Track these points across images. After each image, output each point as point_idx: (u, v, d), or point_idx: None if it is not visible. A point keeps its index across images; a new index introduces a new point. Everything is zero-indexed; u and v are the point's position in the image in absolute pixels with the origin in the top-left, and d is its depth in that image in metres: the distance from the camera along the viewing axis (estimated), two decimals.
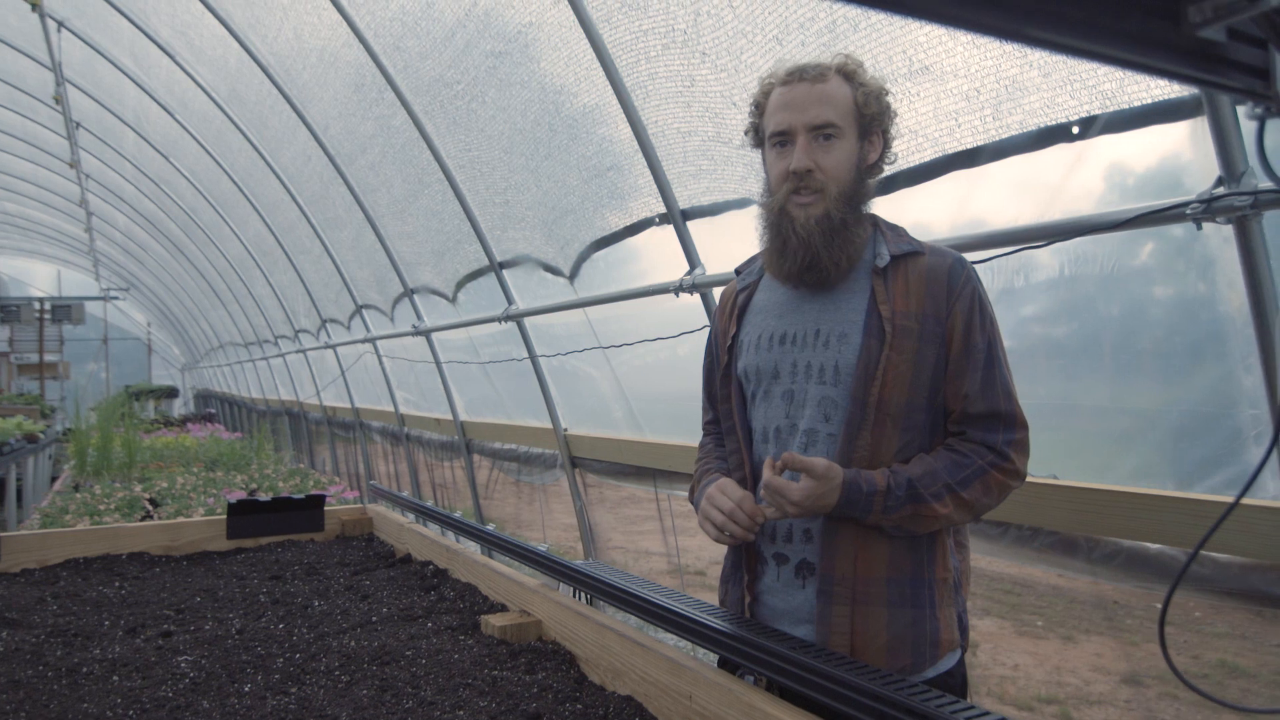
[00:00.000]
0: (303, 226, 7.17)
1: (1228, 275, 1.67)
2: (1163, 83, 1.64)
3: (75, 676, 1.61)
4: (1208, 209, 1.55)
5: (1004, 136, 1.95)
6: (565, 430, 4.30)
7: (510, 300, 4.43)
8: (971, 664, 1.58)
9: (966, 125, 2.00)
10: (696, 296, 3.01)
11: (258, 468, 5.01)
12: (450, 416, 5.69)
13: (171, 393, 18.89)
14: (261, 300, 10.21)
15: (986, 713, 1.08)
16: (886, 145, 1.56)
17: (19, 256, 21.17)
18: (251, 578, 2.39)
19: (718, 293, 2.91)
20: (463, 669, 1.61)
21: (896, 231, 1.56)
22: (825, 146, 1.49)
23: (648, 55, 2.83)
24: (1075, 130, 1.79)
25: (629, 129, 3.01)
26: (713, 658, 1.51)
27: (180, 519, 3.00)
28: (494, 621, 1.82)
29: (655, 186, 3.02)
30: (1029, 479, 1.61)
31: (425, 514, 2.86)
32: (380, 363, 6.98)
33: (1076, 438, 2.16)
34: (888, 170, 1.61)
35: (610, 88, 3.01)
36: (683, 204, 2.99)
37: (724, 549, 1.66)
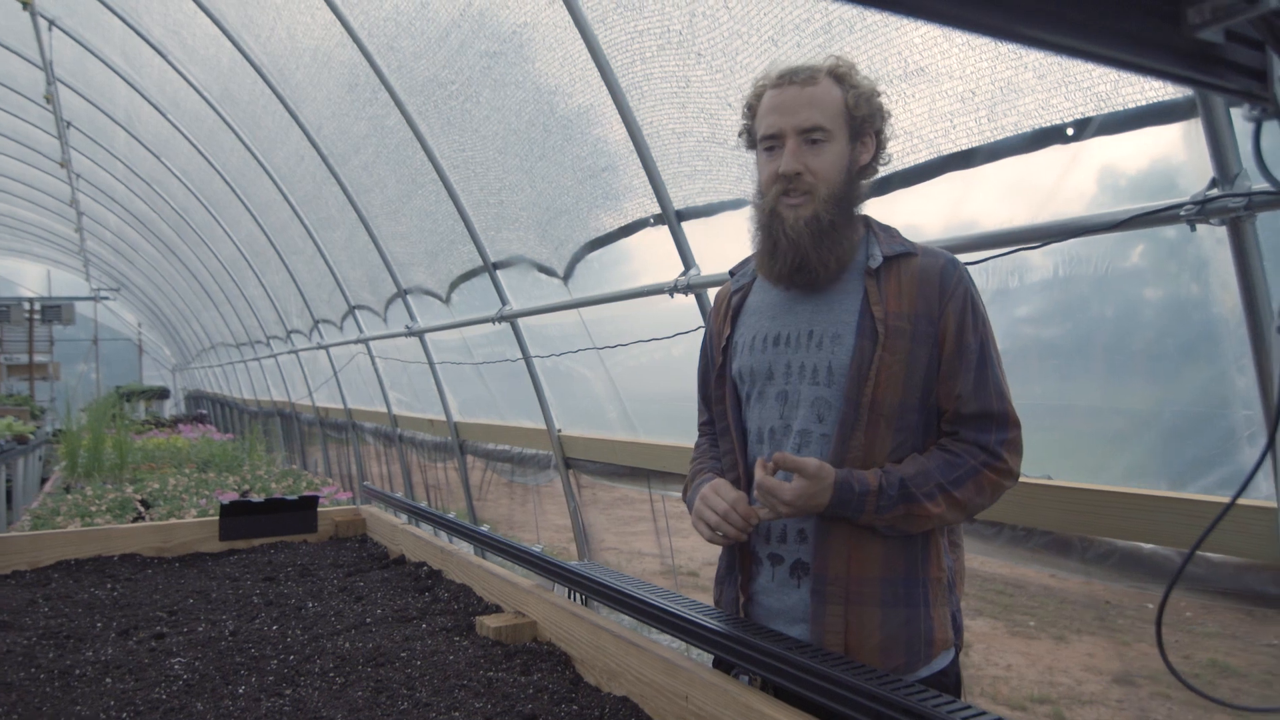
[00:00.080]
0: (295, 227, 7.15)
1: (1221, 276, 1.67)
2: (1157, 85, 1.65)
3: (68, 679, 1.60)
4: (1202, 210, 1.56)
5: (999, 138, 1.95)
6: (559, 431, 4.29)
7: (504, 301, 4.42)
8: (965, 664, 1.58)
9: (961, 127, 2.01)
10: (691, 297, 3.01)
11: (250, 469, 4.99)
12: (443, 417, 5.68)
13: (163, 394, 18.81)
14: (254, 301, 10.18)
15: (983, 712, 1.08)
16: (880, 147, 1.56)
17: (8, 256, 21.05)
18: (244, 579, 2.38)
19: (712, 293, 2.91)
20: (458, 670, 1.60)
21: (889, 232, 1.57)
22: (814, 149, 1.49)
23: (643, 56, 2.83)
24: (1070, 132, 1.80)
25: (624, 130, 3.01)
26: (708, 659, 1.51)
27: (172, 520, 2.98)
28: (489, 623, 1.81)
29: (650, 187, 3.02)
30: (1023, 479, 1.61)
31: (419, 515, 2.85)
32: (373, 363, 6.97)
33: (1070, 438, 2.17)
34: (883, 171, 1.61)
35: (605, 88, 3.01)
36: (678, 205, 2.99)
37: (717, 550, 1.66)
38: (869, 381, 1.45)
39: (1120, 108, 1.72)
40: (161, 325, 20.98)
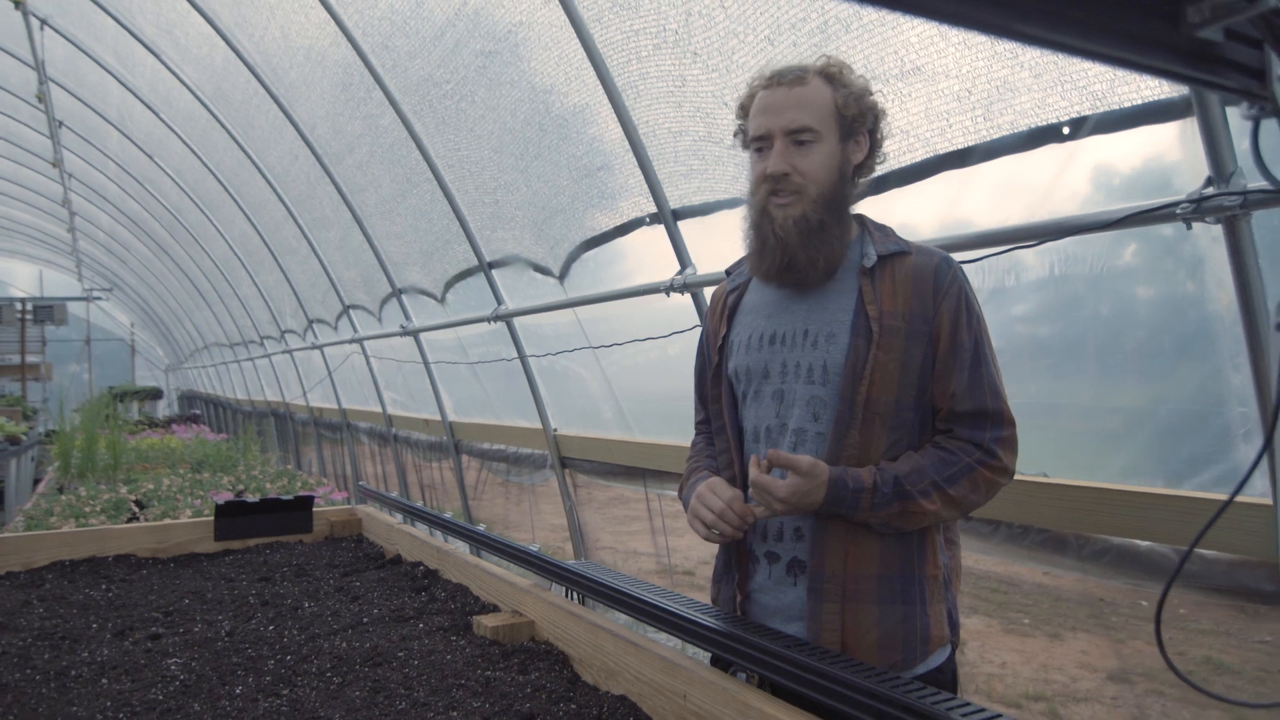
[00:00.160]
0: (289, 226, 7.13)
1: (1216, 274, 1.68)
2: (1153, 83, 1.65)
3: (64, 679, 1.60)
4: (1197, 209, 1.57)
5: (995, 137, 1.96)
6: (555, 430, 4.29)
7: (499, 300, 4.42)
8: (959, 661, 1.59)
9: (958, 126, 2.01)
10: (687, 296, 3.01)
11: (244, 469, 4.97)
12: (438, 417, 5.67)
13: (155, 394, 18.73)
14: (247, 301, 10.15)
15: (982, 709, 1.08)
16: (875, 146, 1.56)
17: (0, 257, 20.95)
18: (240, 579, 2.37)
19: (709, 293, 2.91)
20: (455, 670, 1.60)
21: (884, 231, 1.57)
22: (802, 150, 1.50)
23: (639, 55, 2.82)
24: (1066, 131, 1.80)
25: (619, 129, 3.01)
26: (705, 657, 1.52)
27: (167, 521, 2.97)
28: (486, 622, 1.81)
29: (646, 186, 3.02)
30: (1019, 476, 1.61)
31: (415, 514, 2.85)
32: (368, 363, 6.95)
33: (1066, 436, 2.18)
34: (879, 170, 1.62)
35: (601, 87, 3.00)
36: (674, 204, 2.99)
37: (713, 549, 1.66)
38: (864, 380, 1.46)
39: (1116, 106, 1.73)
40: (154, 325, 20.90)
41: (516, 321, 4.40)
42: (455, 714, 1.41)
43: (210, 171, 7.75)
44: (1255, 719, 1.61)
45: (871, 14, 2.05)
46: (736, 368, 1.61)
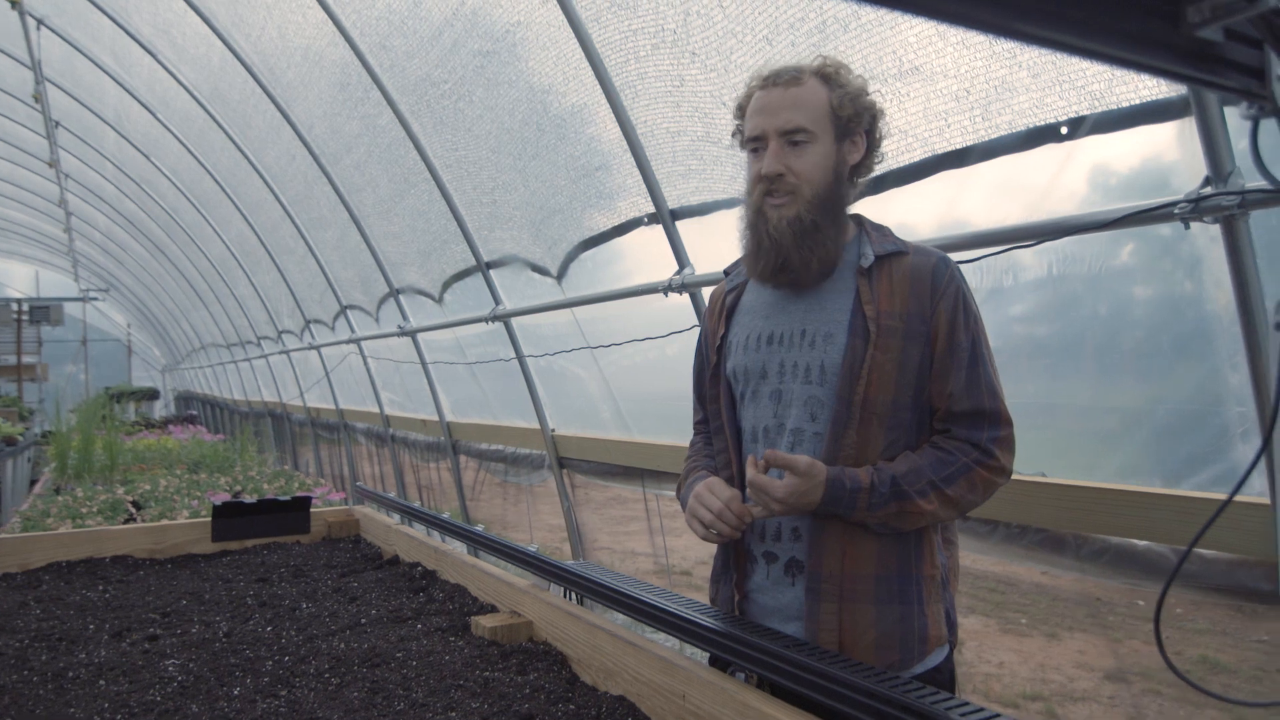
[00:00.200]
0: (286, 226, 7.12)
1: (1214, 274, 1.68)
2: (1150, 83, 1.66)
3: (61, 681, 1.59)
4: (1196, 208, 1.57)
5: (993, 137, 1.96)
6: (553, 431, 4.29)
7: (497, 300, 4.41)
8: (957, 661, 1.59)
9: (956, 125, 2.01)
10: (685, 296, 3.01)
11: (241, 470, 4.97)
12: (436, 417, 5.67)
13: (152, 394, 18.71)
14: (244, 301, 10.14)
15: (981, 708, 1.08)
16: (872, 146, 1.56)
17: None
18: (238, 580, 2.37)
19: (707, 293, 2.91)
20: (454, 670, 1.60)
21: (881, 231, 1.57)
22: (796, 150, 1.50)
23: (637, 55, 2.82)
24: (1064, 130, 1.80)
25: (618, 129, 3.01)
26: (704, 657, 1.51)
27: (164, 522, 2.97)
28: (484, 623, 1.81)
29: (644, 186, 3.02)
30: (1017, 476, 1.62)
31: (413, 515, 2.84)
32: (365, 364, 6.95)
33: (1064, 436, 2.18)
34: (877, 170, 1.62)
35: (599, 87, 3.00)
36: (672, 204, 2.99)
37: (711, 549, 1.66)
38: (861, 380, 1.46)
39: (1114, 106, 1.73)
40: (151, 326, 20.87)
41: (514, 322, 4.39)
42: (454, 714, 1.40)
43: (207, 171, 7.74)
44: (1253, 718, 1.62)
45: (870, 14, 2.05)
46: (734, 368, 1.61)
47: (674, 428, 3.44)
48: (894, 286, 1.49)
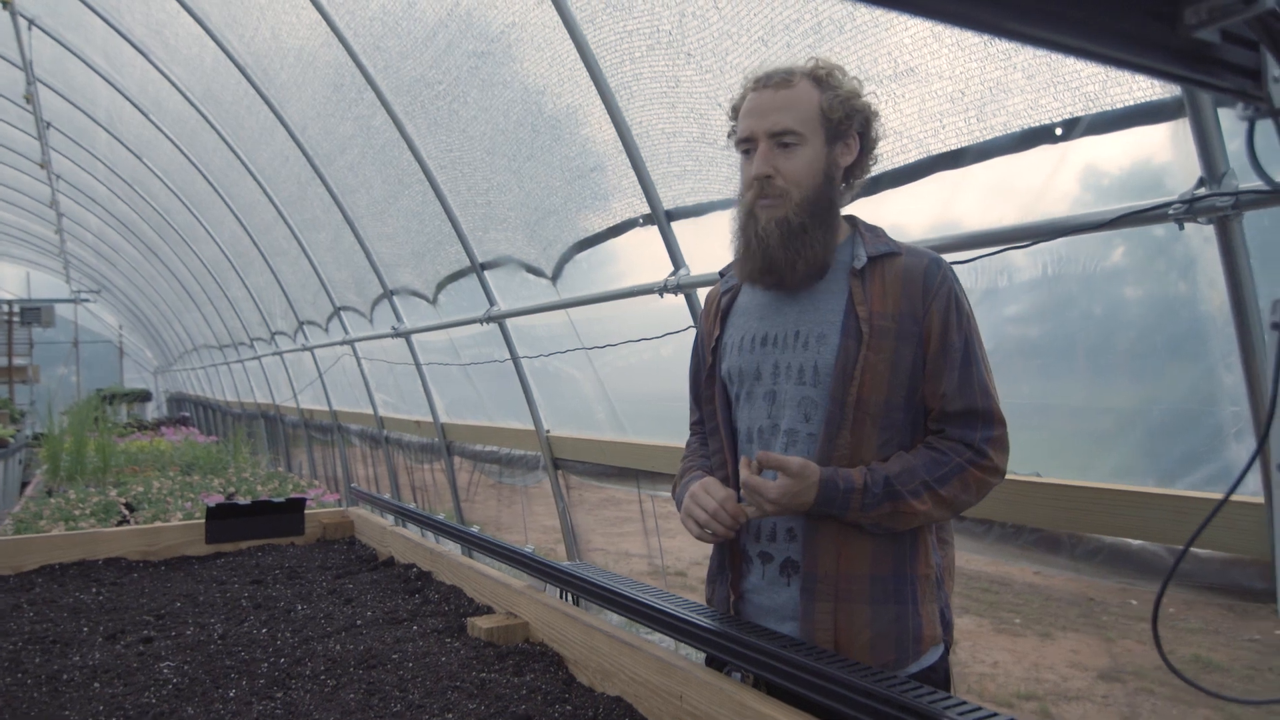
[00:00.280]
0: (280, 228, 7.11)
1: (1208, 275, 1.69)
2: (1145, 85, 1.66)
3: (55, 684, 1.59)
4: (1190, 209, 1.57)
5: (988, 138, 1.96)
6: (548, 432, 4.28)
7: (492, 301, 4.41)
8: (952, 661, 1.59)
9: (951, 127, 2.02)
10: (681, 297, 3.01)
11: (235, 471, 4.95)
12: (430, 419, 5.66)
13: (144, 396, 18.65)
14: (237, 302, 10.10)
15: (978, 707, 1.09)
16: (866, 148, 1.56)
17: None
18: (232, 582, 2.36)
19: (702, 294, 2.92)
20: (450, 671, 1.59)
21: (875, 232, 1.57)
22: (785, 152, 1.50)
23: (632, 56, 2.82)
24: (1059, 132, 1.81)
25: (613, 130, 3.01)
26: (700, 658, 1.52)
27: (158, 523, 2.96)
28: (480, 624, 1.81)
29: (639, 187, 3.02)
30: (1011, 476, 1.62)
31: (407, 516, 2.84)
32: (359, 365, 6.93)
33: (1058, 437, 2.18)
34: (872, 171, 1.62)
35: (594, 88, 3.00)
36: (667, 205, 2.99)
37: (705, 550, 1.66)
38: (854, 381, 1.46)
39: (1108, 108, 1.74)
40: (143, 327, 20.79)
41: (509, 323, 4.39)
42: (450, 716, 1.40)
43: (200, 172, 7.71)
44: (1246, 716, 1.62)
45: (865, 15, 2.06)
46: (729, 369, 1.61)
47: (669, 429, 3.44)
48: (887, 287, 1.49)
